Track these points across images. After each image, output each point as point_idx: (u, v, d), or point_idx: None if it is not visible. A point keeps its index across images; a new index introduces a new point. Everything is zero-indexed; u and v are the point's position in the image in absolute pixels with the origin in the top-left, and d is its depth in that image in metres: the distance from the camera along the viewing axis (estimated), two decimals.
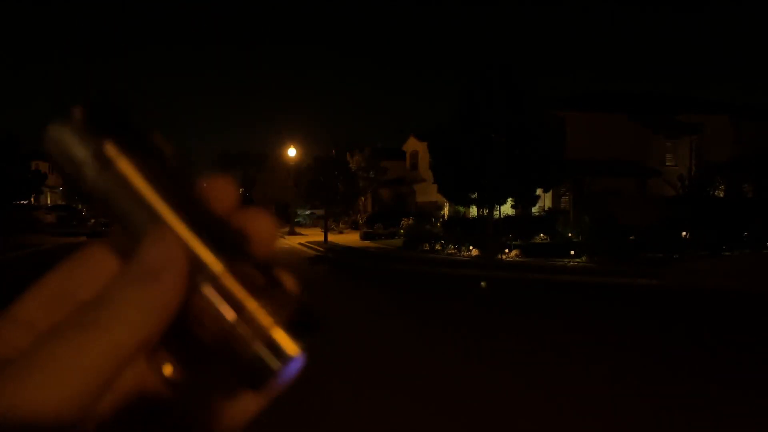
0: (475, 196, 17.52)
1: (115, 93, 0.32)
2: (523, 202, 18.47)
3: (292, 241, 28.55)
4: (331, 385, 5.71)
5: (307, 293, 0.31)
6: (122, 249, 0.31)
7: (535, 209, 23.71)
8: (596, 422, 4.99)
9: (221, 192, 0.32)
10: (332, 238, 27.64)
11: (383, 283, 14.52)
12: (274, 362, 0.28)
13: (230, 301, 0.29)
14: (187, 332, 0.30)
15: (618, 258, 16.43)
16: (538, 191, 18.30)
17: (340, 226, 35.55)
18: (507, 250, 18.57)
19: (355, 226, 34.56)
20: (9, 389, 0.24)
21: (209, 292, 0.29)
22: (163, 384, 0.31)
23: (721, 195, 24.49)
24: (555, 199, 26.73)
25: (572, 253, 17.81)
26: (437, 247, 20.62)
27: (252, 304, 0.29)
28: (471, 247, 19.49)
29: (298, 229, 35.74)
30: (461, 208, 26.82)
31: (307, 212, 40.88)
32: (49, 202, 49.86)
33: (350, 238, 28.40)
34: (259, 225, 0.32)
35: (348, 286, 14.64)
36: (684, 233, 19.17)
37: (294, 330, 0.29)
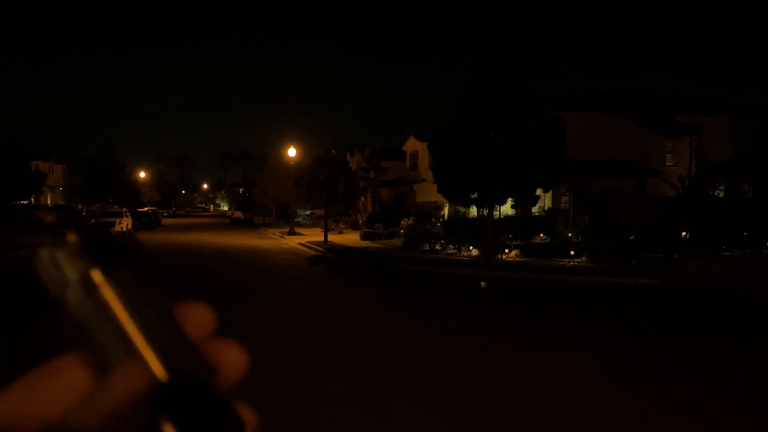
0: (475, 196, 17.52)
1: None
2: (523, 202, 18.47)
3: (292, 241, 28.55)
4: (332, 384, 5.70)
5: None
6: (95, 366, 0.31)
7: (535, 209, 23.70)
8: (591, 418, 4.99)
9: (196, 320, 0.34)
10: (332, 238, 27.63)
11: (383, 283, 14.52)
12: None
13: None
14: None
15: (618, 258, 16.42)
16: (538, 191, 18.30)
17: (340, 226, 35.53)
18: (507, 250, 18.57)
19: (355, 226, 34.53)
20: None
21: (168, 427, 0.29)
22: None
23: (721, 195, 24.46)
24: (555, 199, 26.71)
25: (572, 253, 17.81)
26: (437, 247, 20.61)
27: None
28: (471, 247, 19.49)
29: (298, 229, 35.74)
30: (461, 208, 26.81)
31: (307, 212, 40.86)
32: (49, 202, 49.84)
33: (350, 238, 28.38)
34: (227, 357, 0.34)
35: (348, 286, 14.65)
36: (684, 233, 19.17)
37: None
